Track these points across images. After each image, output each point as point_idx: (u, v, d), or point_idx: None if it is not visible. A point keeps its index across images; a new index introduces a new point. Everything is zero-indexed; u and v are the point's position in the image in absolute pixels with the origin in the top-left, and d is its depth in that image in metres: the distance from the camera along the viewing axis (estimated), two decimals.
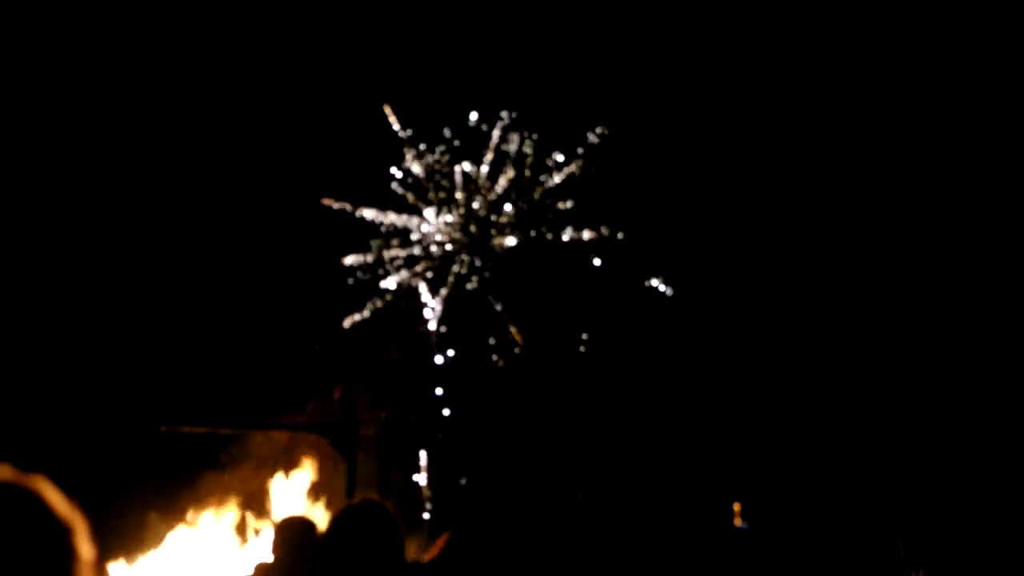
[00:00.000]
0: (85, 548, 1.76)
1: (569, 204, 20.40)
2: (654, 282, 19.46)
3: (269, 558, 4.76)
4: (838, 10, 17.17)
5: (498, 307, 20.32)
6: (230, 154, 17.90)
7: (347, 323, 19.70)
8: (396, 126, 20.21)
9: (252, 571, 4.54)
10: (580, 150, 20.32)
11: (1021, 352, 14.65)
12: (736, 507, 13.62)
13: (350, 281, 20.25)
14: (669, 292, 19.27)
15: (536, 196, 20.67)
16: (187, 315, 17.19)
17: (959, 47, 16.15)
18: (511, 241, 20.44)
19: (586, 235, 20.26)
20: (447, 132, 20.72)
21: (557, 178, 20.51)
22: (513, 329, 20.13)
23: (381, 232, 20.59)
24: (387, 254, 20.46)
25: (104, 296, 16.62)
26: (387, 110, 20.09)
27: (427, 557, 3.86)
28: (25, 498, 1.75)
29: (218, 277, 17.53)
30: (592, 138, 20.10)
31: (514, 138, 20.56)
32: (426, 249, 20.68)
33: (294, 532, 4.80)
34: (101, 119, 17.10)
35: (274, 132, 18.13)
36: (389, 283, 20.43)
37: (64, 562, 1.74)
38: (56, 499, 1.77)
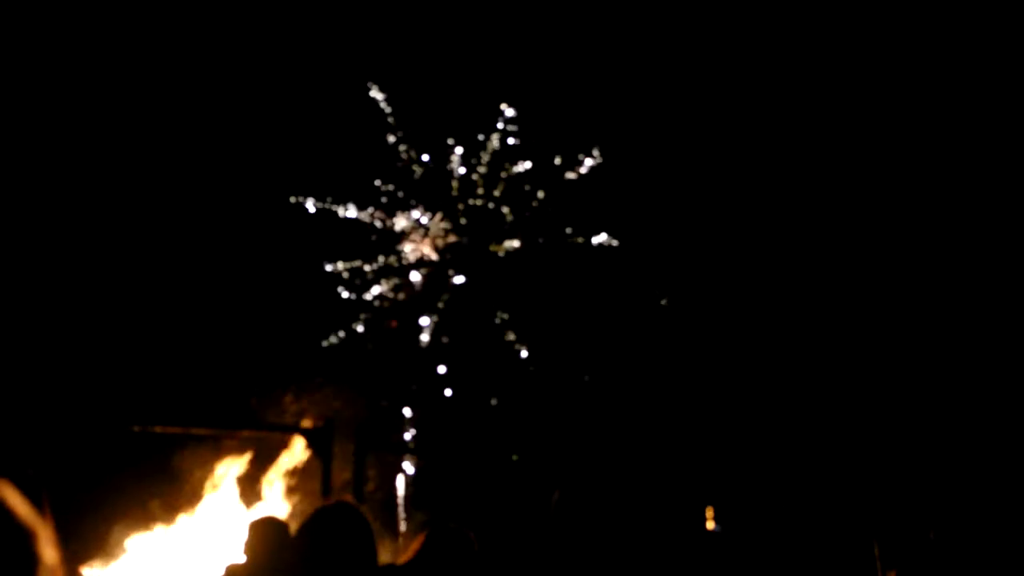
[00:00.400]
0: (48, 552, 1.74)
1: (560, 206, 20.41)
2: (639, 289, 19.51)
3: (241, 559, 4.73)
4: (835, 11, 17.30)
5: (486, 309, 20.30)
6: (215, 149, 17.77)
7: (332, 338, 19.59)
8: (391, 119, 20.11)
9: (223, 572, 4.51)
10: (584, 157, 20.30)
11: (996, 352, 14.80)
12: (709, 511, 13.65)
13: (340, 289, 20.14)
14: (663, 302, 19.30)
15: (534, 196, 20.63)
16: (168, 313, 17.05)
17: (959, 47, 16.27)
18: (511, 244, 20.38)
19: (580, 239, 20.28)
20: (450, 140, 20.71)
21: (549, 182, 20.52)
22: (501, 321, 20.08)
23: (371, 230, 20.52)
24: (375, 262, 20.37)
25: (85, 292, 16.47)
26: (375, 93, 19.94)
27: (402, 559, 3.85)
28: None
29: (197, 277, 17.41)
30: (588, 160, 20.10)
31: (500, 141, 20.57)
32: (415, 254, 20.62)
33: (266, 532, 4.77)
34: (87, 117, 16.93)
35: (265, 129, 18.03)
36: (375, 290, 20.34)
37: (26, 567, 1.71)
38: (18, 503, 1.74)
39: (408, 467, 18.79)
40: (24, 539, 1.75)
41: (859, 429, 15.20)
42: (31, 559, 1.74)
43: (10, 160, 16.06)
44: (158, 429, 13.47)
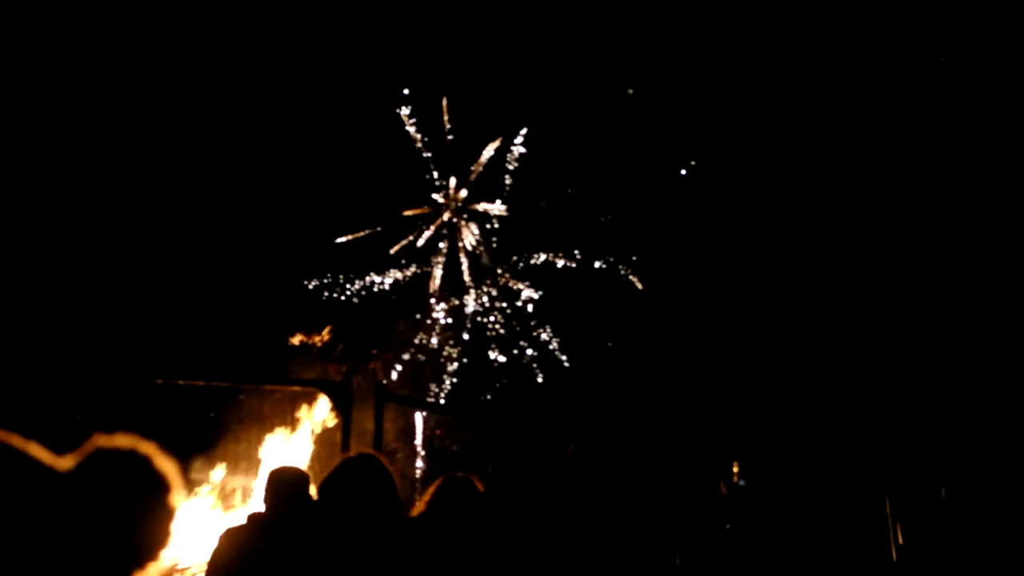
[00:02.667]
0: (178, 502, 2.09)
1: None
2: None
3: (261, 508, 4.81)
4: (832, 11, 17.11)
5: (498, 271, 20.35)
6: (241, 119, 17.95)
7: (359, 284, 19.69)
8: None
9: (244, 522, 4.61)
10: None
11: (997, 322, 14.82)
12: (735, 467, 13.80)
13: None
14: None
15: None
16: (195, 274, 17.30)
17: (959, 47, 16.08)
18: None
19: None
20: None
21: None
22: (513, 281, 20.15)
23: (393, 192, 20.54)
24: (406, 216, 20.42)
25: (109, 253, 16.75)
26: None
27: (416, 509, 3.96)
28: (140, 461, 2.03)
29: (225, 237, 17.63)
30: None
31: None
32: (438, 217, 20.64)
33: (286, 483, 4.83)
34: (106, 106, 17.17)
35: (285, 106, 18.21)
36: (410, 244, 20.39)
37: (164, 515, 2.04)
38: (163, 463, 2.08)
39: (426, 420, 19.02)
40: (165, 490, 2.04)
41: (873, 389, 15.26)
42: (168, 508, 2.05)
43: (66, 132, 16.42)
44: (181, 382, 13.69)
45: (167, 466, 2.10)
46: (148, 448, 2.07)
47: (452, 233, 20.78)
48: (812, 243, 17.39)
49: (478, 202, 20.68)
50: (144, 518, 2.00)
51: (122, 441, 2.06)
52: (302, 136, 18.50)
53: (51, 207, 16.29)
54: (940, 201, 16.20)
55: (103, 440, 2.03)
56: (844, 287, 16.94)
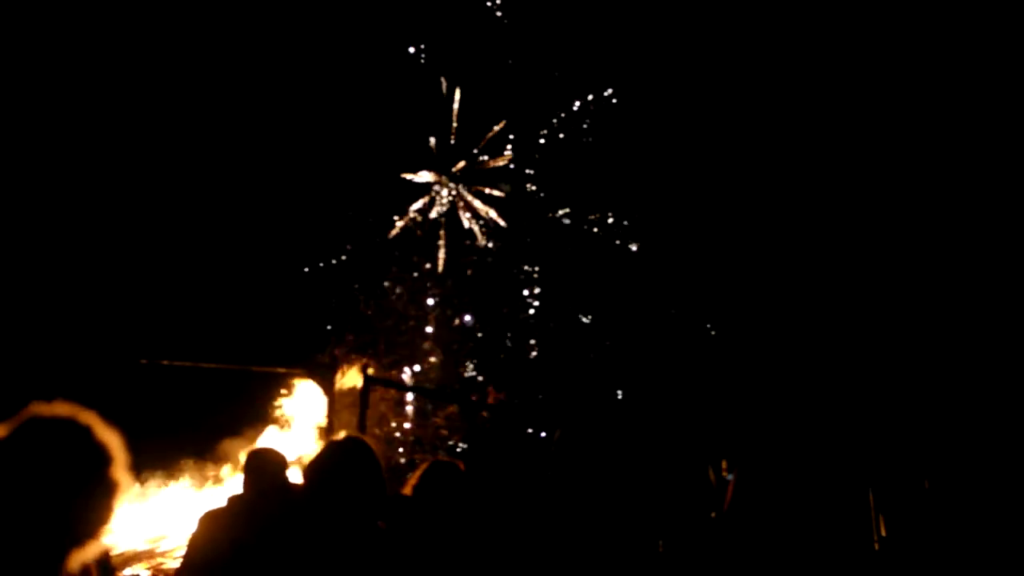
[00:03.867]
0: (124, 477, 1.97)
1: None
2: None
3: (240, 490, 4.76)
4: (830, 11, 17.12)
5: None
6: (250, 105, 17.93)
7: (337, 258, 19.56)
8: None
9: (224, 505, 4.57)
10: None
11: (1003, 315, 14.89)
12: (723, 463, 13.85)
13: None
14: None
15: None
16: (186, 256, 17.23)
17: (959, 47, 16.09)
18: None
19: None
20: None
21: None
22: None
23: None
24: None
25: (114, 234, 16.72)
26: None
27: (406, 488, 3.94)
28: (80, 431, 1.91)
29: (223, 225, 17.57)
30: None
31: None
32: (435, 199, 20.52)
33: (264, 463, 4.79)
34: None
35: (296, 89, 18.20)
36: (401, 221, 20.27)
37: (104, 489, 1.91)
38: (105, 433, 1.96)
39: (412, 404, 18.99)
40: (105, 463, 1.90)
41: (858, 381, 15.33)
42: (109, 482, 1.91)
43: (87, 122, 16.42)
44: (165, 362, 13.63)
45: (109, 438, 1.98)
46: (89, 418, 1.95)
47: (452, 211, 20.66)
48: (797, 236, 17.44)
49: (481, 177, 20.56)
50: (82, 492, 1.89)
51: (61, 409, 1.94)
52: (296, 114, 18.42)
53: (51, 207, 16.25)
54: (927, 200, 16.28)
55: (40, 408, 1.92)
56: (831, 279, 17.00)
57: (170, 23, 17.42)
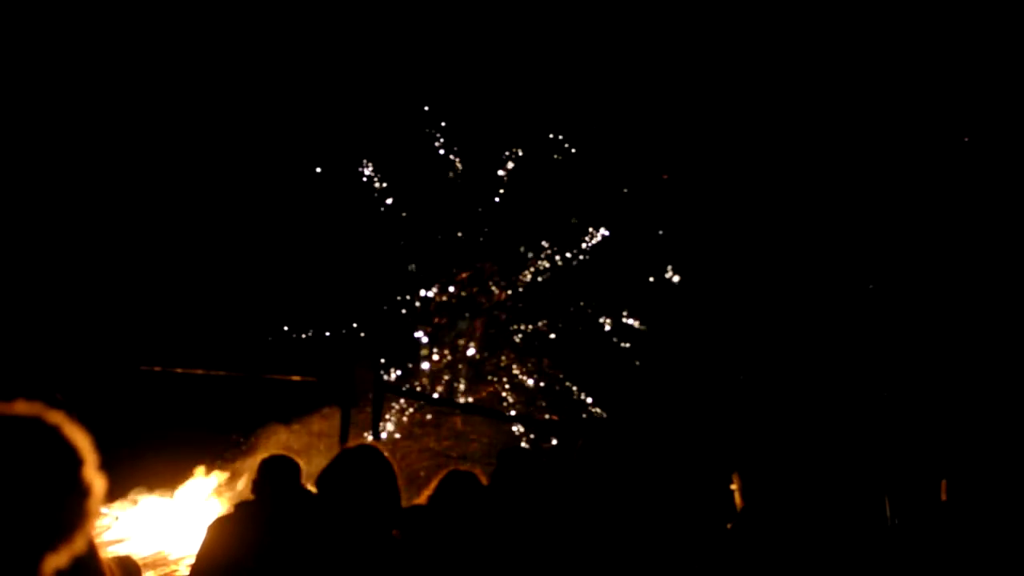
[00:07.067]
0: (97, 480, 1.87)
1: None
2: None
3: (250, 497, 4.73)
4: (828, 11, 17.10)
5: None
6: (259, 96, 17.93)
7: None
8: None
9: (234, 510, 4.53)
10: None
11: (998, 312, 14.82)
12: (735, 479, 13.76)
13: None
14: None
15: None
16: (197, 262, 17.27)
17: (959, 47, 16.05)
18: None
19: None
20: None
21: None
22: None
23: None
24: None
25: (116, 234, 16.75)
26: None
27: (422, 497, 3.89)
28: (46, 431, 1.82)
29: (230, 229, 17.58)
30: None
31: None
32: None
33: (276, 470, 4.76)
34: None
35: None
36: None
37: (76, 491, 1.81)
38: (72, 429, 1.86)
39: (425, 412, 18.92)
40: (76, 464, 1.83)
41: (874, 383, 15.24)
42: (81, 484, 1.83)
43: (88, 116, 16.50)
44: (179, 370, 13.62)
45: (79, 439, 1.88)
46: (56, 418, 1.87)
47: None
48: (804, 238, 17.37)
49: None
50: (50, 495, 1.80)
51: (22, 408, 1.86)
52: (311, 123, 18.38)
53: (50, 208, 16.32)
54: (932, 201, 16.20)
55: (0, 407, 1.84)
56: (839, 283, 16.94)
57: (174, 24, 17.46)
